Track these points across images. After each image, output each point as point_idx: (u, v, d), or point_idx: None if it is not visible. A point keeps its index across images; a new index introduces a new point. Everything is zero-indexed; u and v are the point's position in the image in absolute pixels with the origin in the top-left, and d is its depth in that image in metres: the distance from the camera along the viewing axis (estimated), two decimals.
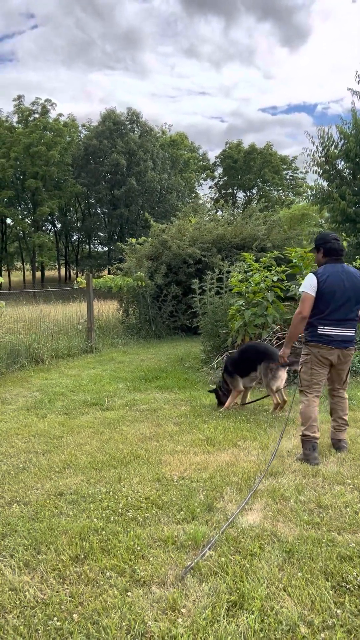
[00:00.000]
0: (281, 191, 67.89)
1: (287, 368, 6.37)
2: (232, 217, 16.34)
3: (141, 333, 14.02)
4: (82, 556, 3.12)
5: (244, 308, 8.25)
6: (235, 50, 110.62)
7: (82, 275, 14.16)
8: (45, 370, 9.61)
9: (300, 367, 4.95)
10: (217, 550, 3.12)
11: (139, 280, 13.75)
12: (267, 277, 8.29)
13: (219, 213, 17.52)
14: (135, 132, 55.56)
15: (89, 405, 7.11)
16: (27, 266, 65.98)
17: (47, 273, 68.42)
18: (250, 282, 8.50)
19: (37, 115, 53.90)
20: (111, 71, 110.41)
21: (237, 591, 2.69)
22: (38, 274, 61.05)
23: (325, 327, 4.68)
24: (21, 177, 53.93)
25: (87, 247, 65.24)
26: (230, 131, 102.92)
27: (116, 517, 3.60)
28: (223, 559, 3.01)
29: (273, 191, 66.44)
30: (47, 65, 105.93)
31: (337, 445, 4.95)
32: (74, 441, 5.46)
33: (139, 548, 3.16)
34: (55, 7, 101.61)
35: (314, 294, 4.67)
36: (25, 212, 57.51)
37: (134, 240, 16.17)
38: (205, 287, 9.71)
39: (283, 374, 6.27)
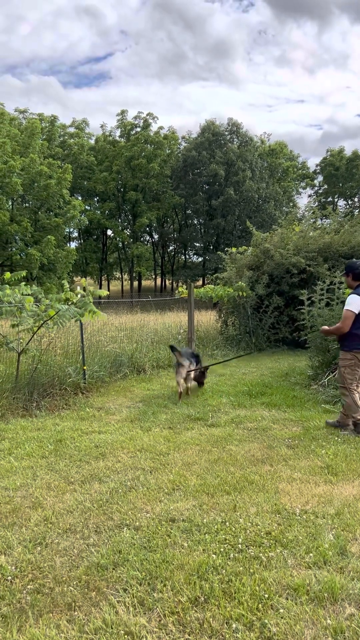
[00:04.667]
0: None
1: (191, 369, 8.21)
2: (339, 225, 15.48)
3: (241, 345, 13.60)
4: (202, 599, 2.78)
5: None
6: (329, 56, 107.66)
7: (183, 285, 14.03)
8: (147, 380, 9.48)
9: (343, 369, 6.07)
10: None
11: (240, 290, 13.37)
12: None
13: (320, 222, 16.68)
14: (235, 142, 55.42)
15: (193, 419, 6.82)
16: (125, 276, 67.87)
17: (144, 283, 69.98)
18: None
19: (138, 129, 55.49)
20: (204, 82, 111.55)
21: None
22: (135, 283, 62.58)
23: None
24: (122, 189, 55.68)
25: (183, 257, 65.92)
26: (326, 138, 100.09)
27: (236, 554, 3.23)
28: None
29: None
30: (141, 80, 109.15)
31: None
32: (181, 459, 5.17)
33: (266, 595, 2.77)
34: (146, 23, 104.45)
35: (357, 312, 5.83)
36: (125, 224, 59.24)
37: (234, 249, 15.84)
38: (315, 298, 9.12)
39: (182, 372, 8.03)
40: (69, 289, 7.60)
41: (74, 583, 3.00)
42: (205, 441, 5.79)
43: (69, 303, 7.11)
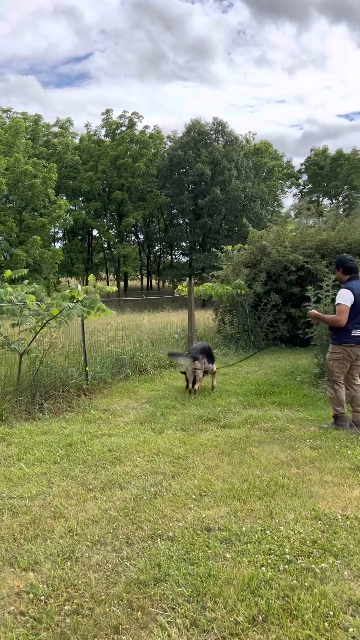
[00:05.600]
0: None
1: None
2: (334, 222, 15.31)
3: (239, 343, 13.39)
4: (261, 618, 2.54)
5: None
6: (308, 56, 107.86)
7: (183, 283, 13.75)
8: (150, 381, 9.23)
9: (331, 362, 6.08)
10: None
11: (238, 288, 13.17)
12: None
13: (305, 220, 16.31)
14: (220, 141, 55.31)
15: (205, 420, 6.59)
16: (111, 276, 67.36)
17: (130, 283, 69.49)
18: None
19: (123, 129, 55.12)
20: (185, 82, 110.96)
21: None
22: (121, 283, 62.15)
23: (358, 330, 5.90)
24: (107, 189, 55.25)
25: (169, 257, 65.63)
26: (306, 138, 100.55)
27: (285, 566, 3.00)
28: None
29: None
30: (121, 80, 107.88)
31: None
32: (202, 463, 4.94)
33: (331, 612, 2.55)
34: (125, 22, 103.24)
35: (350, 305, 5.82)
36: (110, 224, 58.79)
37: (229, 247, 15.65)
38: (321, 294, 8.94)
39: (189, 367, 8.11)
40: (59, 289, 7.32)
41: (115, 602, 2.75)
42: (223, 443, 5.56)
43: (75, 301, 6.82)
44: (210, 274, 15.43)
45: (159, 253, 67.45)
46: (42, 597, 2.82)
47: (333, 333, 6.15)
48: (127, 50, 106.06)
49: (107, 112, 56.07)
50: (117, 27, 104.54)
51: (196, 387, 8.12)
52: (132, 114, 55.51)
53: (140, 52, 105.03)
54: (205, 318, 16.31)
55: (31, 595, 2.84)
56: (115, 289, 7.43)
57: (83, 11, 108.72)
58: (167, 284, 63.98)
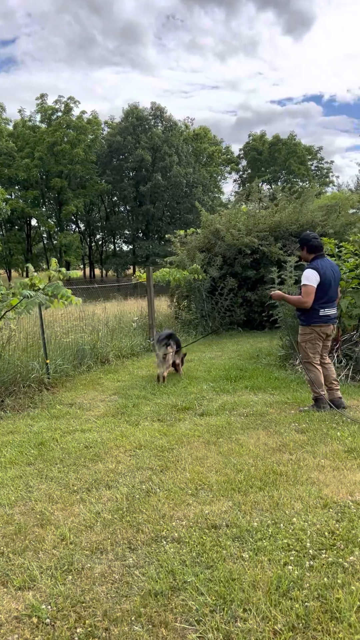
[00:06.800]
0: (307, 182, 66.34)
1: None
2: (287, 202, 15.19)
3: (198, 329, 13.19)
4: (301, 625, 2.31)
5: None
6: (238, 42, 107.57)
7: (141, 270, 13.33)
8: (114, 371, 8.85)
9: (304, 344, 5.98)
10: None
11: (195, 273, 12.93)
12: None
13: (246, 205, 16.09)
14: (159, 127, 54.63)
15: (180, 409, 6.32)
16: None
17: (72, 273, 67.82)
18: (342, 268, 7.62)
19: (60, 114, 53.42)
20: (117, 67, 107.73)
21: None
22: None
23: (325, 310, 5.82)
24: (45, 176, 53.50)
25: (112, 246, 64.54)
26: (240, 124, 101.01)
27: (311, 562, 2.78)
28: None
29: (299, 182, 64.99)
30: (50, 66, 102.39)
31: (337, 402, 5.89)
32: (189, 454, 4.67)
33: None
34: (50, 5, 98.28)
35: (316, 286, 5.70)
36: (50, 212, 57.05)
37: (182, 232, 15.36)
38: (284, 276, 8.83)
39: (160, 353, 7.82)
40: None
41: (133, 619, 2.44)
42: (206, 432, 5.31)
43: (35, 289, 6.35)
44: (165, 259, 15.08)
45: (101, 242, 66.21)
46: (48, 620, 2.47)
47: (301, 314, 6.00)
48: (54, 34, 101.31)
49: (42, 97, 54.08)
50: (43, 10, 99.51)
51: (165, 374, 7.83)
52: (68, 98, 53.83)
53: (68, 37, 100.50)
54: (157, 305, 15.97)
55: (34, 619, 2.49)
56: (80, 273, 6.98)
57: None
58: (110, 273, 62.98)
